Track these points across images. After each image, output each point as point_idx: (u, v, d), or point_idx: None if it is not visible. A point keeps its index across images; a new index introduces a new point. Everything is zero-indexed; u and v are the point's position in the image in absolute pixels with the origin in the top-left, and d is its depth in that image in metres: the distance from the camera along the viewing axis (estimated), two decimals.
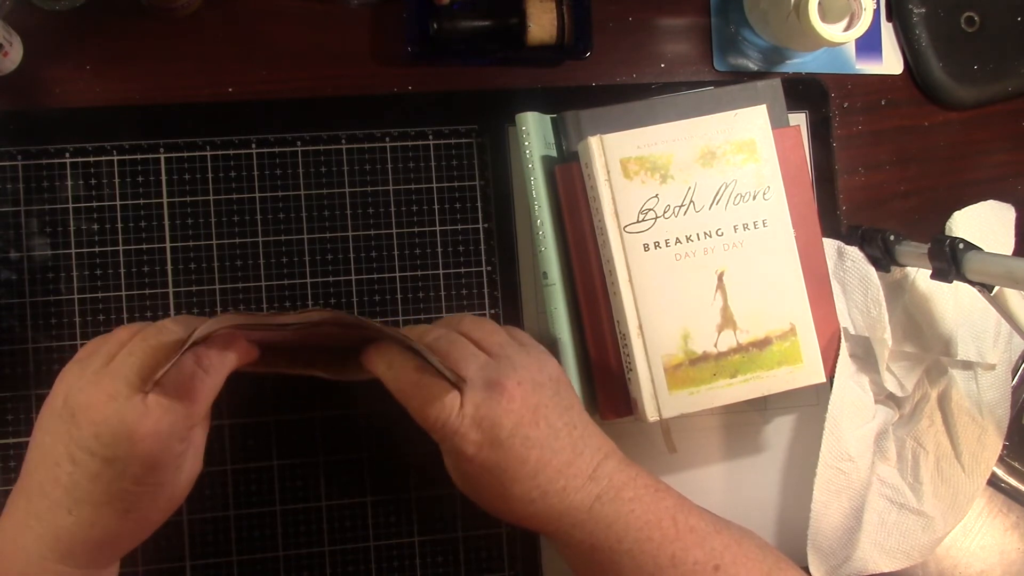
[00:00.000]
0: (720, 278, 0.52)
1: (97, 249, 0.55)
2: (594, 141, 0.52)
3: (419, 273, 0.58)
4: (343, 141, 0.58)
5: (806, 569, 0.56)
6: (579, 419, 0.48)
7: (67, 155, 0.56)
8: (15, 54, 0.55)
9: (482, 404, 0.44)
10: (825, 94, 0.62)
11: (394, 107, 0.59)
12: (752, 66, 0.63)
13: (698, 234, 0.52)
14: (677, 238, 0.52)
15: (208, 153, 0.57)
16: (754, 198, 0.53)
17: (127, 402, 0.41)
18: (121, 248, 0.56)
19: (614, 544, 0.45)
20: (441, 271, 0.58)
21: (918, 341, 0.59)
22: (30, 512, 0.43)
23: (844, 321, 0.57)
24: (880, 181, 0.63)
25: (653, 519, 0.46)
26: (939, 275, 0.51)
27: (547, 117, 0.56)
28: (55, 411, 0.44)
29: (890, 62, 0.64)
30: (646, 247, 0.52)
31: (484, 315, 0.58)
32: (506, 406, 0.45)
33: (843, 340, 0.55)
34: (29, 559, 0.42)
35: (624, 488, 0.47)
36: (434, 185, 0.58)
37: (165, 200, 0.56)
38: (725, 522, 0.49)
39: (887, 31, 0.64)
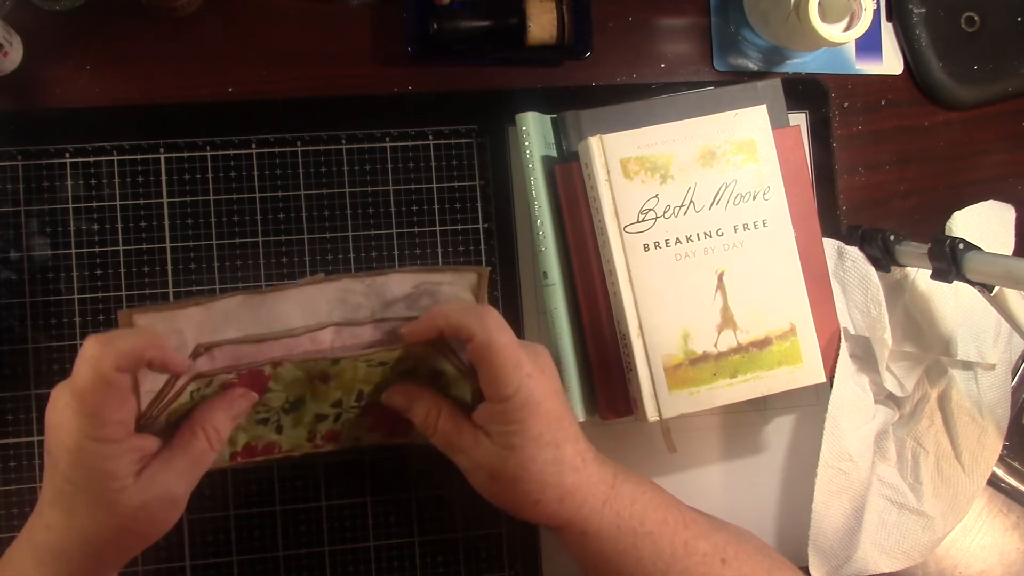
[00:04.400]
0: (720, 278, 0.52)
1: (97, 249, 0.55)
2: (594, 141, 0.52)
3: None
4: (343, 141, 0.58)
5: (805, 569, 0.57)
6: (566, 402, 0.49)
7: (67, 155, 0.56)
8: (15, 54, 0.55)
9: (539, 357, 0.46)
10: (825, 94, 0.62)
11: (394, 107, 0.59)
12: (752, 66, 0.63)
13: (698, 234, 0.52)
14: (677, 238, 0.52)
15: (208, 153, 0.57)
16: (754, 198, 0.53)
17: (56, 404, 0.42)
18: (121, 248, 0.56)
19: (637, 526, 0.45)
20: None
21: (918, 341, 0.59)
22: (26, 532, 0.44)
23: (844, 321, 0.57)
24: (880, 181, 0.63)
25: (664, 503, 0.47)
26: (939, 275, 0.51)
27: (547, 117, 0.56)
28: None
29: (890, 62, 0.64)
30: (646, 247, 0.52)
31: None
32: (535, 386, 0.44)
33: (843, 340, 0.55)
34: (19, 569, 0.43)
35: (630, 469, 0.47)
36: (434, 185, 0.58)
37: (165, 200, 0.56)
38: (721, 521, 0.49)
39: (887, 31, 0.64)
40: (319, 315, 0.48)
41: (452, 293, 0.50)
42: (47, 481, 0.42)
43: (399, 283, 0.49)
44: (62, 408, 0.41)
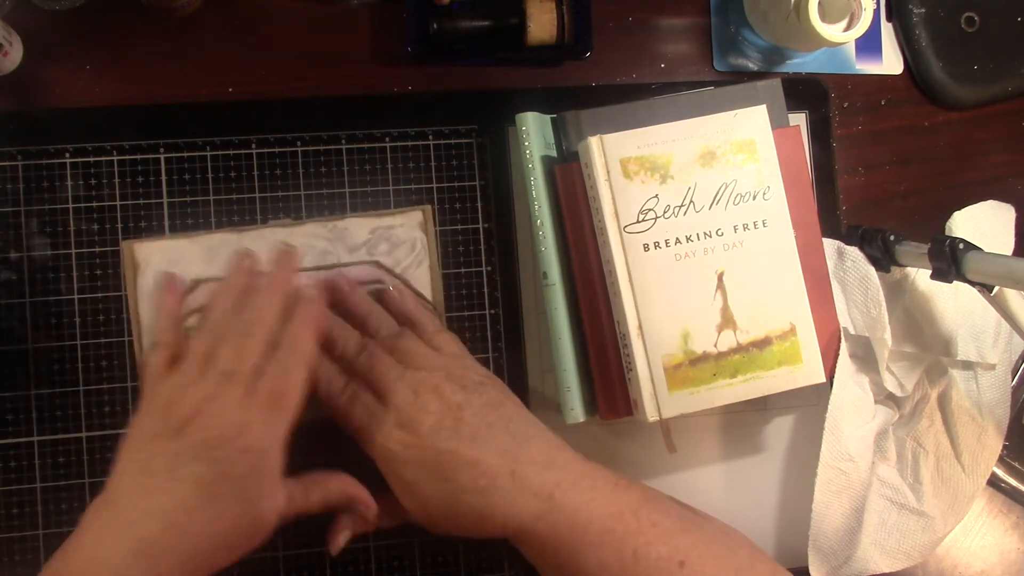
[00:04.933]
0: (720, 278, 0.52)
1: (97, 249, 0.55)
2: (594, 141, 0.52)
3: None
4: (343, 141, 0.58)
5: (805, 570, 0.56)
6: (516, 414, 0.49)
7: (67, 155, 0.56)
8: (15, 54, 0.55)
9: (403, 406, 0.47)
10: (825, 94, 0.62)
11: (394, 107, 0.59)
12: (752, 66, 0.63)
13: (698, 234, 0.52)
14: (677, 238, 0.52)
15: (208, 153, 0.57)
16: (754, 198, 0.53)
17: (228, 409, 0.44)
18: (121, 248, 0.56)
19: (578, 537, 0.45)
20: (441, 271, 0.58)
21: (918, 341, 0.59)
22: (115, 522, 0.43)
23: (844, 321, 0.57)
24: (880, 181, 0.63)
25: (615, 511, 0.46)
26: (939, 275, 0.51)
27: (547, 117, 0.56)
28: (151, 427, 0.45)
29: (890, 62, 0.64)
30: (646, 247, 0.52)
31: (483, 315, 0.58)
32: (425, 406, 0.47)
33: (843, 340, 0.55)
34: (115, 569, 0.42)
35: (583, 478, 0.47)
36: (434, 185, 0.58)
37: (165, 200, 0.56)
38: (700, 520, 0.48)
39: (887, 31, 0.64)
40: None
41: (404, 235, 0.56)
42: (171, 489, 0.43)
43: (357, 227, 0.56)
44: (253, 403, 0.45)
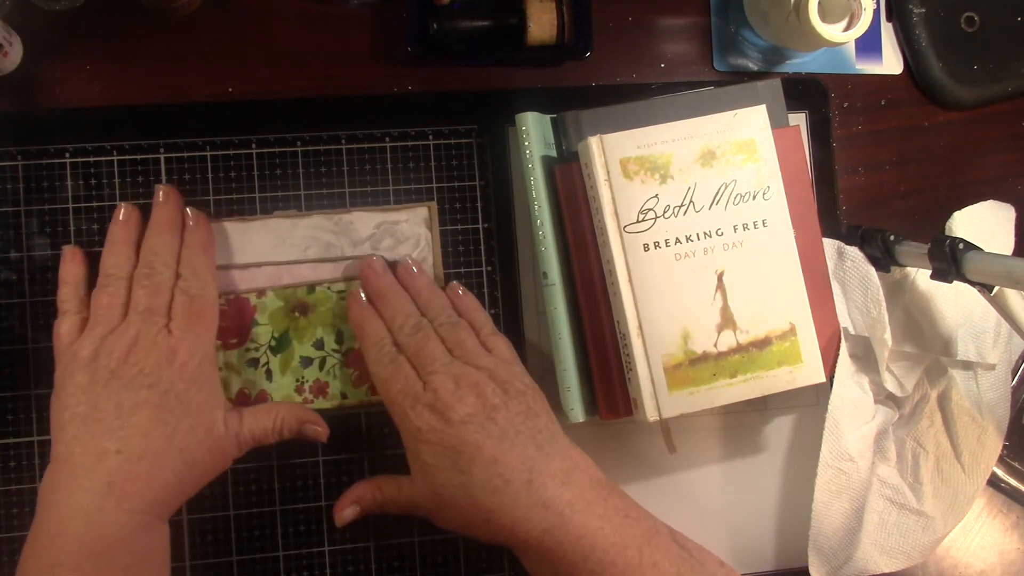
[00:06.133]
0: (720, 278, 0.52)
1: (97, 249, 0.55)
2: (594, 141, 0.52)
3: None
4: (343, 141, 0.58)
5: (805, 570, 0.56)
6: (546, 427, 0.49)
7: (67, 155, 0.56)
8: (15, 54, 0.55)
9: (440, 391, 0.48)
10: (825, 94, 0.62)
11: (394, 107, 0.59)
12: (752, 66, 0.63)
13: (698, 234, 0.52)
14: (677, 238, 0.52)
15: (208, 153, 0.57)
16: (754, 198, 0.53)
17: (155, 341, 0.48)
18: None
19: (579, 561, 0.45)
20: (442, 271, 0.58)
21: (918, 341, 0.59)
22: (74, 474, 0.45)
23: (844, 321, 0.57)
24: (880, 181, 0.63)
25: (620, 543, 0.46)
26: (939, 275, 0.51)
27: (547, 117, 0.56)
28: (84, 380, 0.47)
29: (890, 62, 0.64)
30: (646, 247, 0.52)
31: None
32: (463, 398, 0.48)
33: (843, 340, 0.55)
34: (88, 516, 0.44)
35: (595, 504, 0.47)
36: (434, 185, 0.58)
37: None
38: (694, 563, 0.48)
39: (887, 31, 0.64)
40: (295, 251, 0.56)
41: (409, 231, 0.57)
42: (121, 421, 0.45)
43: (363, 221, 0.57)
44: (175, 328, 0.48)
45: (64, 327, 0.49)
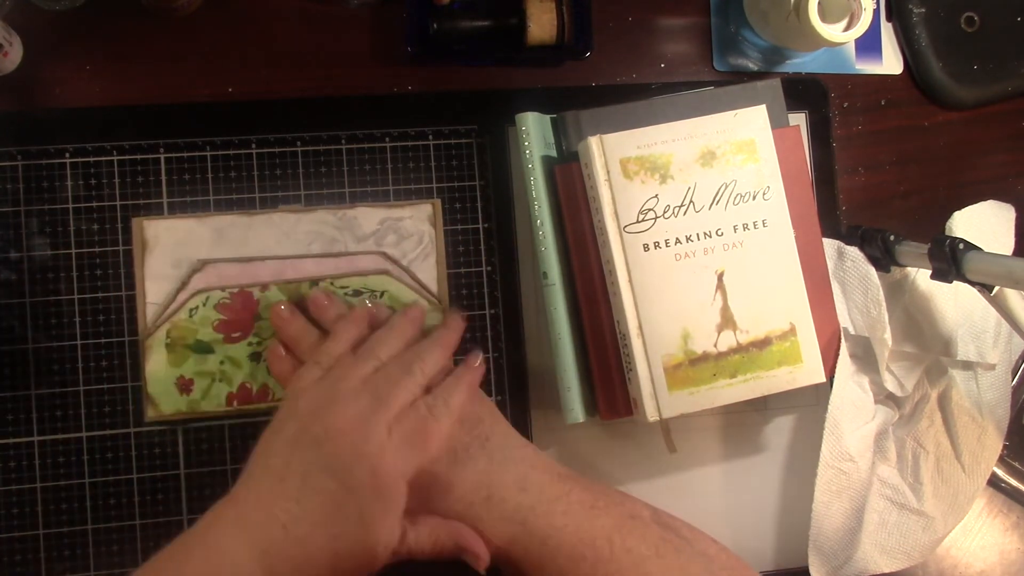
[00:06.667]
0: (720, 278, 0.52)
1: (97, 249, 0.55)
2: (594, 141, 0.52)
3: None
4: (343, 141, 0.58)
5: (805, 570, 0.56)
6: (493, 431, 0.49)
7: (67, 155, 0.56)
8: (15, 54, 0.55)
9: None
10: (825, 94, 0.62)
11: (394, 107, 0.59)
12: (752, 66, 0.63)
13: (698, 234, 0.52)
14: (677, 238, 0.52)
15: (208, 153, 0.57)
16: (754, 198, 0.53)
17: (375, 432, 0.45)
18: (121, 248, 0.56)
19: (548, 563, 0.45)
20: (444, 268, 0.58)
21: (918, 341, 0.59)
22: (240, 522, 0.43)
23: (844, 321, 0.57)
24: (880, 181, 0.63)
25: (587, 537, 0.45)
26: (939, 275, 0.51)
27: (547, 117, 0.56)
28: (293, 434, 0.45)
29: (890, 62, 0.64)
30: (646, 247, 0.52)
31: (483, 315, 0.58)
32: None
33: (843, 340, 0.55)
34: (237, 567, 0.42)
35: (556, 502, 0.47)
36: (434, 185, 0.58)
37: (165, 200, 0.56)
38: (679, 544, 0.47)
39: (887, 31, 0.64)
40: (299, 246, 0.56)
41: (413, 227, 0.57)
42: (300, 499, 0.43)
43: (367, 217, 0.57)
44: (396, 434, 0.45)
45: (306, 372, 0.49)
